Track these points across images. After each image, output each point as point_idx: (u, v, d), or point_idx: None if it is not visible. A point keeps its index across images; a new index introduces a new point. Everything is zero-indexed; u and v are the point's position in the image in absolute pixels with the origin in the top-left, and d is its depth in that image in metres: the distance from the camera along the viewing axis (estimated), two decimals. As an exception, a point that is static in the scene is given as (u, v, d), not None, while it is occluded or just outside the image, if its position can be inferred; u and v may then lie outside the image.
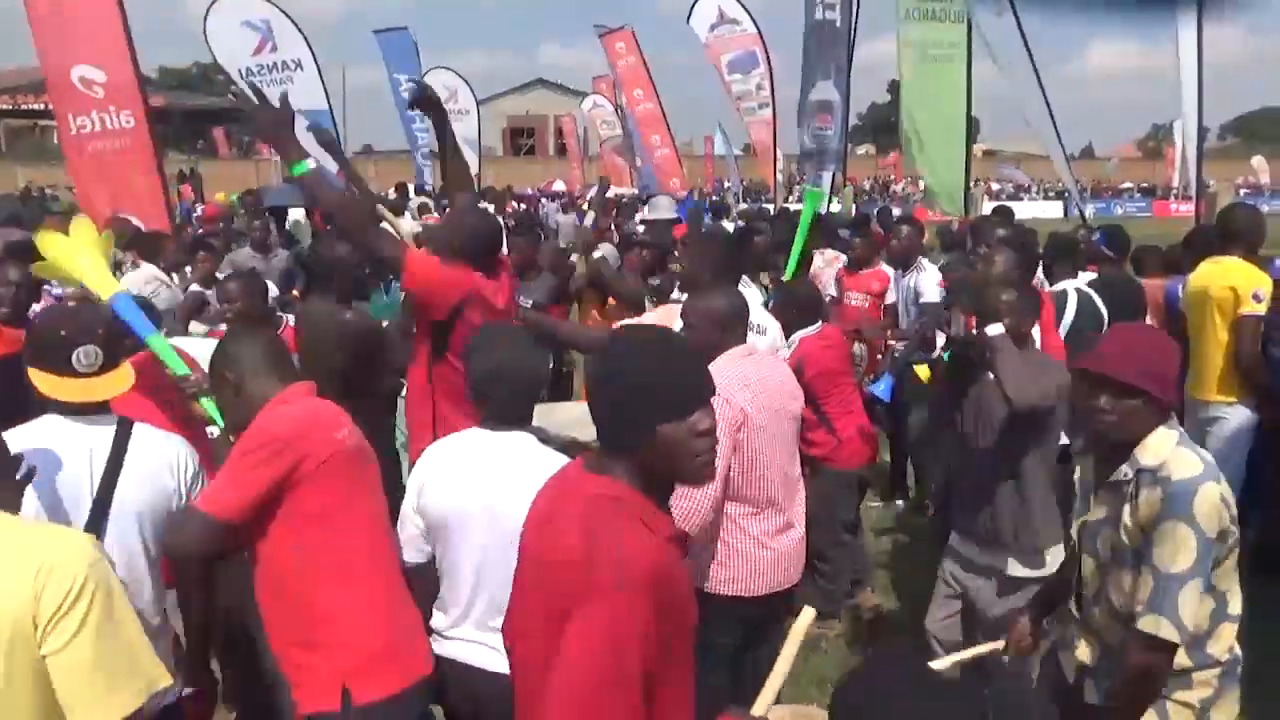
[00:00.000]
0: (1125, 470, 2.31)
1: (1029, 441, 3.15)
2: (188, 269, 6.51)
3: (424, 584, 2.43)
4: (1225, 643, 2.31)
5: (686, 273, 4.09)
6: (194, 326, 5.57)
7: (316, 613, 2.21)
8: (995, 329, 3.11)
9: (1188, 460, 2.23)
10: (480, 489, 2.33)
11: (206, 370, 2.66)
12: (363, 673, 2.20)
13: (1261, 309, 4.33)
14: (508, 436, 2.39)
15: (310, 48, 11.19)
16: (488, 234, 3.53)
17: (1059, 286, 4.75)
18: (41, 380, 2.33)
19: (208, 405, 3.02)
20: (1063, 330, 4.35)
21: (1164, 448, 2.26)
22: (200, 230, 10.03)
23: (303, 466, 2.18)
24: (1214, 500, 2.18)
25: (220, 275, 5.93)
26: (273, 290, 5.42)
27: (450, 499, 2.36)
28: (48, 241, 3.17)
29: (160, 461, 2.37)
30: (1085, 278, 5.03)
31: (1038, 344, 3.52)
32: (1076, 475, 2.61)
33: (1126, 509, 2.29)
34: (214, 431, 3.11)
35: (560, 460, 2.19)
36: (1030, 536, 3.15)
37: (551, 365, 4.69)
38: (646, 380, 1.63)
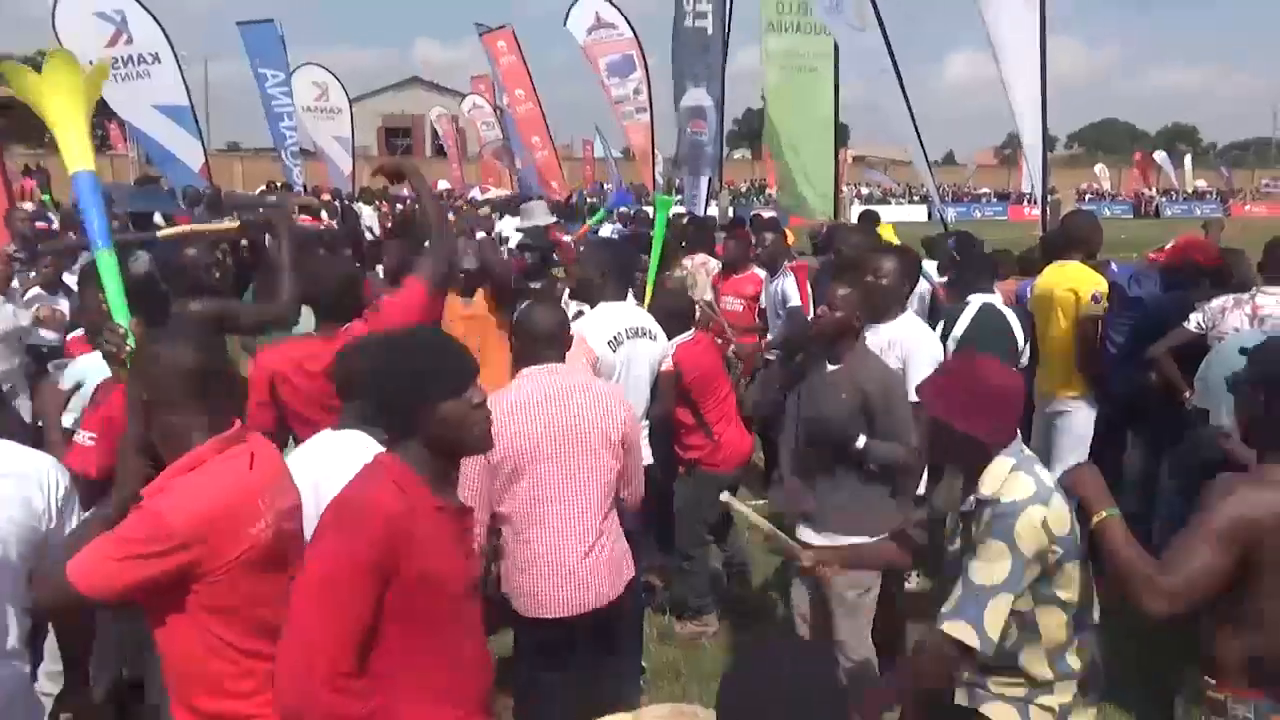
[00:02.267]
0: (970, 500, 2.45)
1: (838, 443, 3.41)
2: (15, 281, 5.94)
3: None
4: (1084, 655, 2.44)
5: (579, 278, 4.11)
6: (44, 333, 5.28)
7: (218, 688, 2.00)
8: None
9: (1020, 485, 2.35)
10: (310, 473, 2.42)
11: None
12: None
13: (1099, 310, 4.67)
14: (346, 434, 2.57)
15: (169, 40, 10.71)
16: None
17: (971, 299, 4.71)
18: None
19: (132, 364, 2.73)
20: (951, 342, 4.49)
21: (1000, 475, 2.39)
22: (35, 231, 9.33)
23: (203, 566, 1.91)
24: (1035, 523, 2.27)
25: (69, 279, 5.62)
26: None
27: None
28: (18, 78, 2.72)
29: (24, 481, 2.14)
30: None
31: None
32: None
33: (972, 534, 2.44)
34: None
35: None
36: (848, 521, 3.37)
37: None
38: (423, 366, 1.96)
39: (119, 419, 2.58)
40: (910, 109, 7.64)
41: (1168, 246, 4.82)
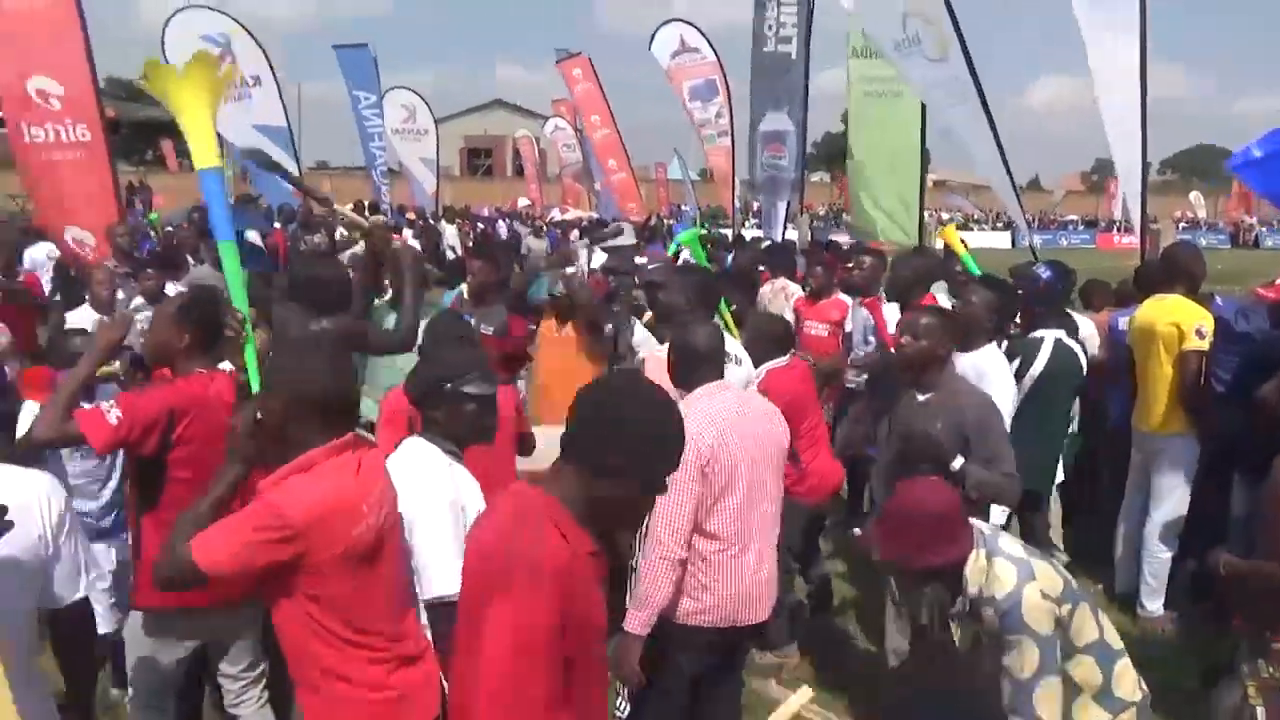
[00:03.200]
0: (960, 603, 2.51)
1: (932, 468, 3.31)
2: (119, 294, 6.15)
3: None
4: (1128, 683, 2.50)
5: (664, 304, 4.12)
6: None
7: (321, 667, 2.18)
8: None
9: (1001, 575, 2.43)
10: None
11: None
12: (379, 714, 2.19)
13: (1204, 345, 4.50)
14: (414, 444, 2.66)
15: (270, 63, 11.13)
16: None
17: (1039, 333, 4.64)
18: None
19: (250, 357, 2.88)
20: (1029, 379, 4.40)
21: (979, 570, 2.46)
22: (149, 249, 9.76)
23: (310, 557, 2.08)
24: (1035, 601, 2.38)
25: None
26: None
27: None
28: (159, 75, 2.88)
29: (24, 505, 2.01)
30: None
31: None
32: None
33: (980, 629, 2.49)
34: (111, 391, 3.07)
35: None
36: None
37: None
38: (661, 432, 1.82)
39: (146, 408, 2.74)
40: (996, 135, 7.51)
41: (1277, 281, 4.62)
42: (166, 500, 2.79)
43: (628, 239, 7.79)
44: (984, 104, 7.30)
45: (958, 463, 3.27)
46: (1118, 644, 2.51)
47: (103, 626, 2.87)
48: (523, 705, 1.72)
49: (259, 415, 2.23)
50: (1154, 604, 4.74)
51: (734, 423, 2.92)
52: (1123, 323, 5.22)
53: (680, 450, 1.86)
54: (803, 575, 4.64)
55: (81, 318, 5.44)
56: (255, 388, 2.76)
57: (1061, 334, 4.63)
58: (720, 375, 3.09)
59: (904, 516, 2.48)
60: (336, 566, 2.10)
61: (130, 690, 3.08)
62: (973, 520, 2.54)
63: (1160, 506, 4.71)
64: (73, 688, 2.32)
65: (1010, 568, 2.43)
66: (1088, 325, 5.48)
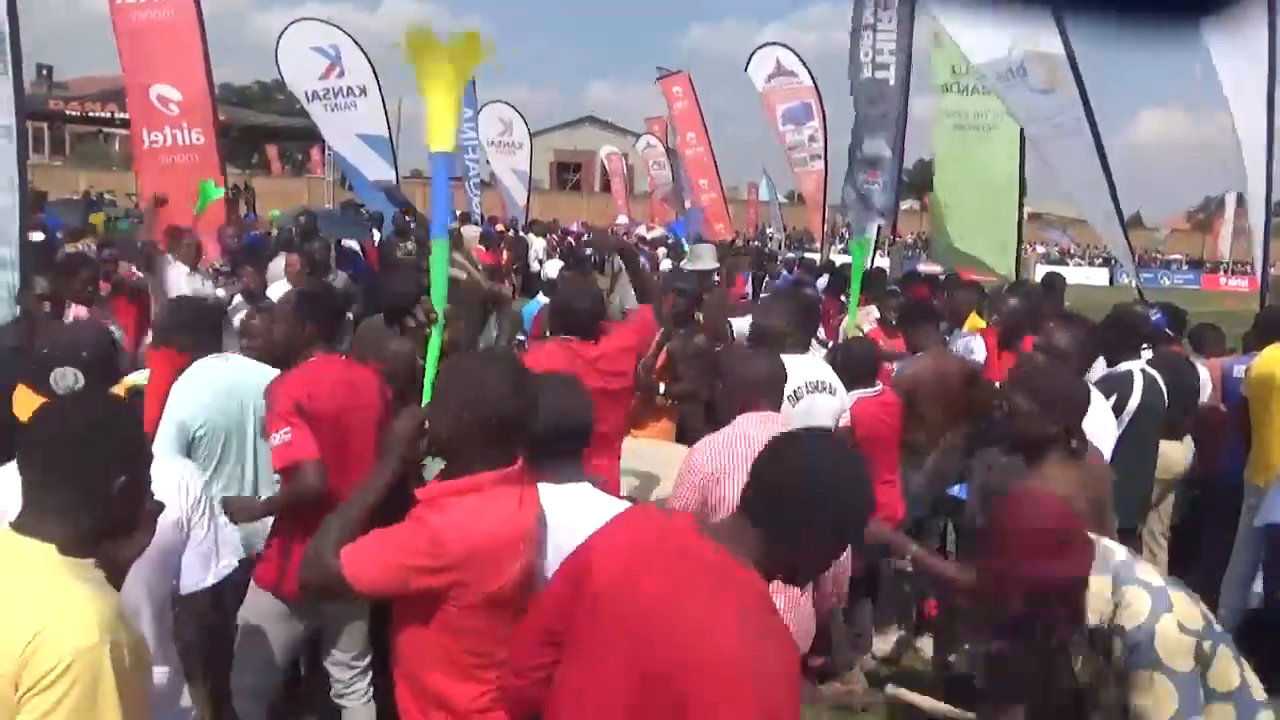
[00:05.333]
0: (1083, 629, 2.27)
1: None
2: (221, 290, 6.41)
3: None
4: None
5: (761, 327, 4.05)
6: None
7: (430, 691, 2.06)
8: None
9: (1132, 603, 2.17)
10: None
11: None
12: None
13: (1329, 399, 4.25)
14: (571, 488, 2.34)
15: (376, 75, 11.45)
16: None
17: (1123, 367, 4.46)
18: (20, 397, 2.25)
19: (432, 354, 2.77)
20: (1127, 414, 4.22)
21: (1103, 597, 2.21)
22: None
23: (458, 590, 1.94)
24: (1172, 635, 2.12)
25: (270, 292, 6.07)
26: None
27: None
28: (422, 43, 2.69)
29: (161, 491, 2.04)
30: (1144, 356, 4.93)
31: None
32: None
33: (1101, 662, 2.26)
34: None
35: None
36: None
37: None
38: (848, 495, 1.67)
39: (293, 410, 2.78)
40: (1107, 167, 7.27)
41: None
42: None
43: (708, 262, 7.71)
44: (1095, 136, 7.07)
45: None
46: (1261, 694, 2.25)
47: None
48: None
49: (425, 423, 2.08)
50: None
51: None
52: (1238, 370, 4.97)
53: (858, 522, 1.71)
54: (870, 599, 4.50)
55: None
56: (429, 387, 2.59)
57: (1144, 364, 4.45)
58: (777, 407, 3.01)
59: (1011, 521, 2.29)
60: (480, 603, 1.96)
61: (234, 665, 3.04)
62: (1103, 542, 2.29)
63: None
64: (200, 668, 2.41)
65: (1144, 595, 2.16)
66: (1200, 372, 5.22)
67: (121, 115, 28.53)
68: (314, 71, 11.15)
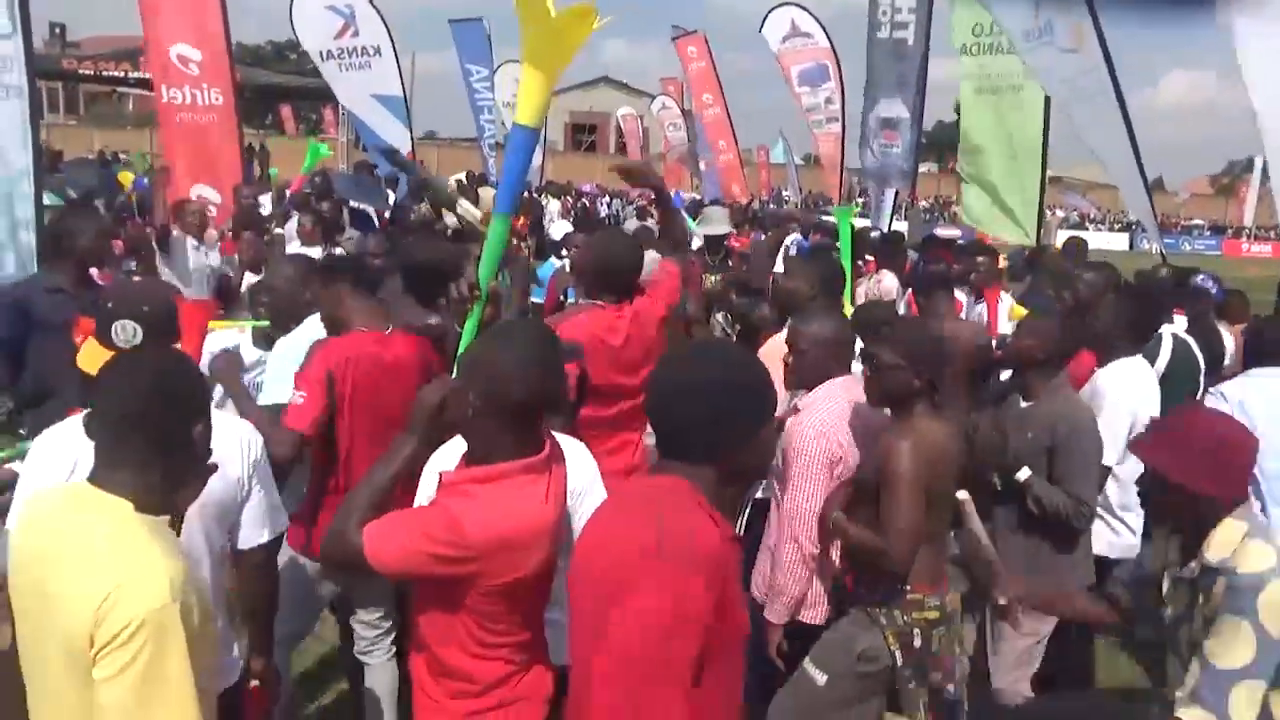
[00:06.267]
0: (1192, 566, 2.24)
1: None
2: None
3: None
4: None
5: (785, 290, 4.01)
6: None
7: (447, 666, 2.05)
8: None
9: (1258, 553, 2.12)
10: None
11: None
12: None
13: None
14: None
15: (390, 35, 11.36)
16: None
17: (1163, 330, 4.38)
18: (87, 349, 2.32)
19: (469, 328, 2.81)
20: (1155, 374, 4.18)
21: (1230, 541, 2.17)
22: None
23: (479, 579, 1.92)
24: (1279, 598, 2.06)
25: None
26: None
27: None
28: (530, 3, 2.52)
29: (225, 449, 2.12)
30: (1180, 322, 4.85)
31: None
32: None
33: (1197, 606, 2.22)
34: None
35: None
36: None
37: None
38: (755, 387, 1.72)
39: (322, 379, 2.83)
40: (1130, 130, 7.16)
41: None
42: (340, 448, 2.92)
43: (720, 226, 7.66)
44: (1119, 97, 6.96)
45: (1024, 473, 3.17)
46: None
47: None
48: (662, 703, 1.53)
49: (449, 398, 2.01)
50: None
51: (860, 426, 2.88)
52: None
53: (764, 379, 1.74)
54: None
55: None
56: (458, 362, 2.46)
57: (1178, 329, 4.37)
58: (848, 370, 3.02)
59: (1189, 425, 2.28)
60: (503, 589, 1.94)
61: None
62: (1254, 501, 2.33)
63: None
64: (252, 622, 2.47)
65: (1271, 553, 2.11)
66: (1225, 338, 5.18)
67: (135, 75, 28.54)
68: (328, 31, 11.07)
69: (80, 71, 31.21)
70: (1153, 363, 4.20)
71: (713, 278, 6.82)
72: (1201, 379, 4.45)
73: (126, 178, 13.22)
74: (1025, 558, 3.21)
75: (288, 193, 9.32)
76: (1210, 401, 3.81)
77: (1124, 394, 3.59)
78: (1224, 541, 2.17)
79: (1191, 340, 4.41)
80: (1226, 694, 2.06)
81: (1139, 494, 2.39)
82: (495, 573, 1.91)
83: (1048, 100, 8.81)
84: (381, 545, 1.92)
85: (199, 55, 7.29)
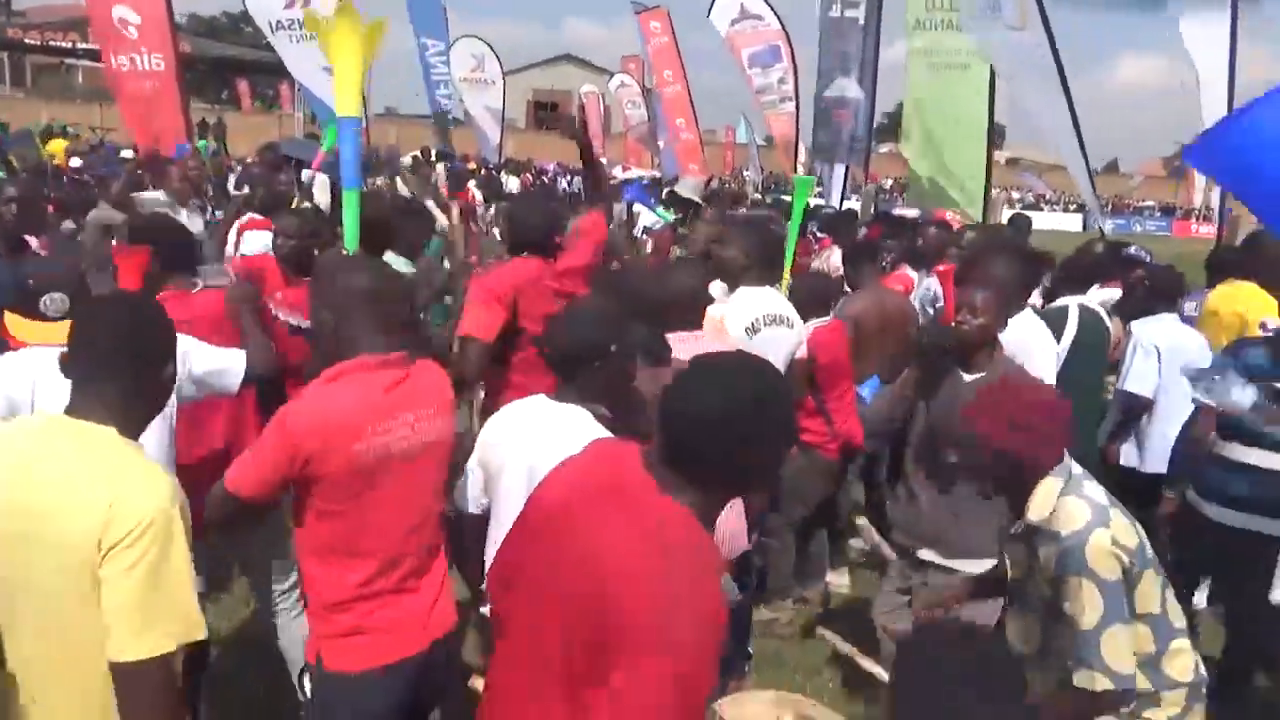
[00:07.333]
0: (1018, 524, 2.41)
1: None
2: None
3: (479, 534, 2.59)
4: (1183, 662, 2.36)
5: (723, 258, 4.03)
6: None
7: (308, 579, 2.27)
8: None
9: (1073, 511, 2.29)
10: (526, 449, 2.43)
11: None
12: (334, 644, 2.23)
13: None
14: (566, 408, 2.49)
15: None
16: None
17: (1060, 303, 4.52)
18: (14, 323, 2.50)
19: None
20: (1062, 347, 4.25)
21: (1048, 500, 2.33)
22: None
23: (312, 468, 2.11)
24: (1104, 547, 2.24)
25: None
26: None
27: (500, 456, 2.52)
28: (315, 26, 3.28)
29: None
30: (1102, 294, 4.95)
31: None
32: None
33: (1035, 563, 2.39)
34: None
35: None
36: (963, 541, 3.24)
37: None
38: (785, 412, 1.65)
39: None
40: (1073, 109, 7.27)
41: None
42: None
43: (692, 193, 7.75)
44: (1062, 76, 7.07)
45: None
46: (1180, 623, 2.38)
47: None
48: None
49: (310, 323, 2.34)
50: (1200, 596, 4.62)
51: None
52: (1189, 307, 5.06)
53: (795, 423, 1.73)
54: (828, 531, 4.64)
55: None
56: None
57: (1085, 300, 4.47)
58: (696, 325, 3.17)
59: (1011, 392, 2.38)
60: (332, 482, 2.12)
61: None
62: (1070, 460, 2.40)
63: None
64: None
65: (1084, 508, 2.29)
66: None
67: (84, 46, 27.76)
68: (278, 0, 10.83)
69: (26, 41, 30.35)
70: (1059, 335, 4.27)
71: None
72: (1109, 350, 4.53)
73: (58, 146, 12.86)
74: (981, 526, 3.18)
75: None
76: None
77: (1048, 344, 3.78)
78: (1042, 499, 2.34)
79: (1102, 311, 4.50)
80: (1098, 647, 2.23)
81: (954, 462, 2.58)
82: (324, 458, 2.09)
83: (993, 79, 8.93)
84: (237, 477, 2.14)
85: (138, 18, 7.13)
